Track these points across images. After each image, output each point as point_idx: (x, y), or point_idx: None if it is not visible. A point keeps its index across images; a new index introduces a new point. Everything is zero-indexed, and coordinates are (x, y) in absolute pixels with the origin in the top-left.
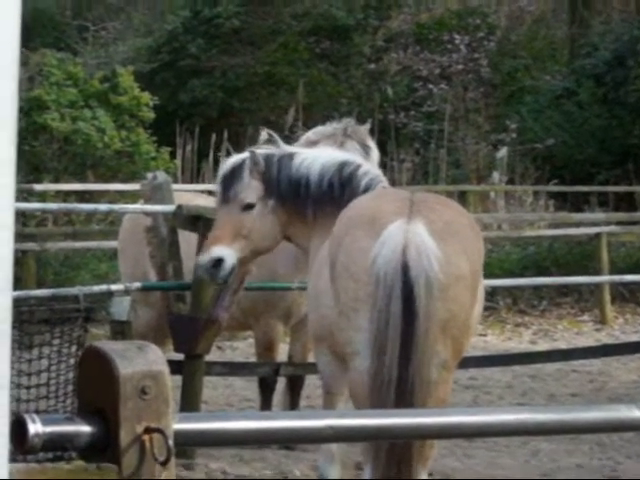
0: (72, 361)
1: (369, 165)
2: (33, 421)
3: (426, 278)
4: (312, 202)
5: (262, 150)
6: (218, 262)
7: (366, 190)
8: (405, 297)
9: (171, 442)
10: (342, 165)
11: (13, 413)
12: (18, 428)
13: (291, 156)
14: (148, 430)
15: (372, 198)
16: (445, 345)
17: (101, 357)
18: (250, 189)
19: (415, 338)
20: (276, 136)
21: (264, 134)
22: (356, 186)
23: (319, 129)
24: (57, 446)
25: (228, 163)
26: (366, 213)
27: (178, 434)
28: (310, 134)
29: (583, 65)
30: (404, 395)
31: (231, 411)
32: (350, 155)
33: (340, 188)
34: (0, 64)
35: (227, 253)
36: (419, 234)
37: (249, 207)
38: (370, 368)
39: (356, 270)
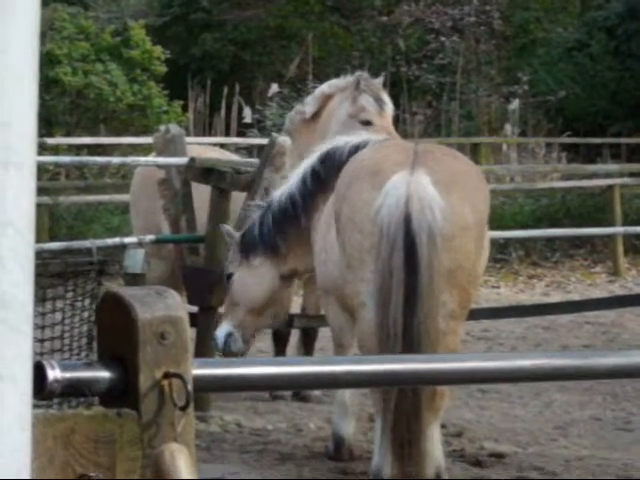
0: (86, 314)
1: (350, 137)
2: (52, 367)
3: (428, 229)
4: (303, 211)
5: (226, 227)
6: (228, 336)
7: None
8: (407, 249)
9: (190, 387)
10: (322, 160)
11: None
12: (37, 374)
13: (269, 205)
14: (167, 375)
15: (375, 150)
16: (452, 295)
17: (120, 303)
18: (233, 262)
19: (418, 289)
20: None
21: (274, 87)
22: (339, 160)
23: (333, 82)
24: (76, 392)
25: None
26: (369, 165)
27: (197, 379)
28: (325, 87)
29: (595, 17)
30: (411, 346)
31: None
32: (324, 149)
33: (324, 179)
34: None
35: (223, 328)
36: (422, 185)
37: (230, 277)
38: (376, 320)
39: (360, 221)
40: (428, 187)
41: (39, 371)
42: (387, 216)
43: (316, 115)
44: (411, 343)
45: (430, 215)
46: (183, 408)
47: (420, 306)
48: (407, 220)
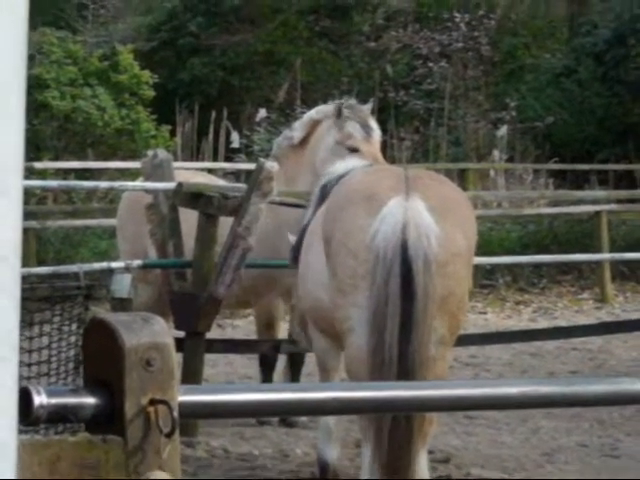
0: (73, 339)
1: (341, 165)
2: (38, 392)
3: (425, 257)
4: None
5: None
6: None
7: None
8: (404, 276)
9: (176, 414)
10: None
11: None
12: (23, 399)
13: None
14: (153, 402)
15: (366, 174)
16: (442, 321)
17: (106, 328)
18: None
19: (414, 316)
20: None
21: (262, 112)
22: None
23: (321, 108)
24: (62, 418)
25: None
26: (362, 189)
27: (183, 406)
28: (312, 113)
29: (583, 43)
30: (405, 373)
31: None
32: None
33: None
34: (7, 49)
35: None
36: (418, 211)
37: None
38: (369, 346)
39: (355, 246)
40: (424, 214)
41: (25, 396)
42: (383, 242)
43: (304, 141)
44: (406, 369)
45: (426, 242)
46: (169, 435)
47: (415, 333)
48: (404, 247)
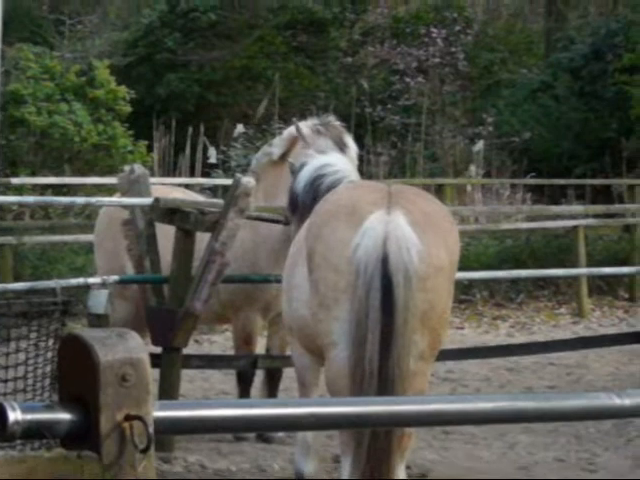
0: (49, 354)
1: (340, 161)
2: (13, 409)
3: (405, 271)
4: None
5: None
6: None
7: (328, 190)
8: (384, 289)
9: (151, 429)
10: (315, 176)
11: None
12: None
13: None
14: (128, 417)
15: (349, 189)
16: (423, 335)
17: (81, 344)
18: None
19: (394, 330)
20: None
21: (240, 128)
22: (320, 184)
23: (301, 124)
24: (37, 434)
25: None
26: (345, 204)
27: (158, 422)
28: (292, 129)
29: (560, 59)
30: (385, 386)
31: None
32: (322, 160)
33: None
34: None
35: None
36: (400, 225)
37: None
38: (350, 359)
39: (336, 261)
40: (405, 228)
41: (0, 413)
42: (364, 256)
43: (283, 157)
44: (386, 383)
45: (407, 256)
46: (144, 450)
47: (395, 346)
48: (384, 261)
